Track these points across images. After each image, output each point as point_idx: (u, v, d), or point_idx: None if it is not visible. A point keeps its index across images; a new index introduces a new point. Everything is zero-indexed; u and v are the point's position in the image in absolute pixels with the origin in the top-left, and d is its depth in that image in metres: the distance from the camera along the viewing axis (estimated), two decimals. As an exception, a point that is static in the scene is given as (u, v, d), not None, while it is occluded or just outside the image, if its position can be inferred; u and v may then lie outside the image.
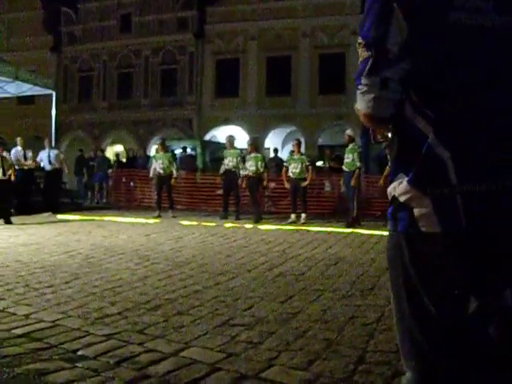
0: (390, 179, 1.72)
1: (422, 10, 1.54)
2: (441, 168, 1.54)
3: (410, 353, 1.69)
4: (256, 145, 13.84)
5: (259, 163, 13.63)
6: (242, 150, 24.16)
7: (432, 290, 1.62)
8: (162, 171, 14.36)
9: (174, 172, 14.52)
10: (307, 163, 13.33)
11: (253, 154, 13.80)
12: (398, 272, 1.68)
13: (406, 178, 1.60)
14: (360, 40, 1.61)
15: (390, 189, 1.70)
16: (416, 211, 1.59)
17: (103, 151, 24.83)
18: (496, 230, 1.56)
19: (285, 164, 13.84)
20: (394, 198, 1.65)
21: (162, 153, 14.67)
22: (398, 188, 1.63)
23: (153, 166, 14.84)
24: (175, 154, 21.35)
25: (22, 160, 15.34)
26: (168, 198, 14.68)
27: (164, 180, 14.49)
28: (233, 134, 13.96)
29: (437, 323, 1.64)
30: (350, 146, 12.87)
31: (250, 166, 13.66)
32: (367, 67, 1.57)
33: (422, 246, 1.61)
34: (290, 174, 13.36)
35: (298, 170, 13.28)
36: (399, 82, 1.57)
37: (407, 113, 1.61)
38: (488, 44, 1.57)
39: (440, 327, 1.65)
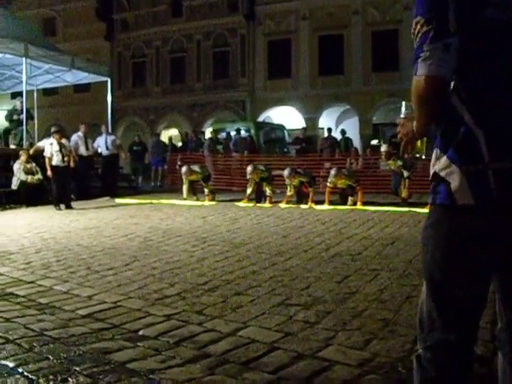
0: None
1: None
2: (476, 146, 1.69)
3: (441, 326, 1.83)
4: None
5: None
6: (295, 130, 24.24)
7: (464, 262, 1.76)
8: None
9: None
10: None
11: None
12: (435, 247, 1.81)
13: (445, 155, 1.76)
14: (418, 18, 1.74)
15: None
16: (452, 185, 1.73)
17: (158, 135, 25.12)
18: None
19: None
20: (435, 173, 1.80)
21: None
22: (438, 163, 1.79)
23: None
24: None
25: (81, 148, 15.69)
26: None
27: None
28: None
29: (466, 299, 1.80)
30: (391, 162, 12.58)
31: None
32: (430, 36, 1.69)
33: (457, 217, 1.75)
34: None
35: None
36: (457, 51, 1.69)
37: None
38: None
39: (467, 302, 1.81)
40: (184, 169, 14.15)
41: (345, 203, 12.48)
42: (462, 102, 1.72)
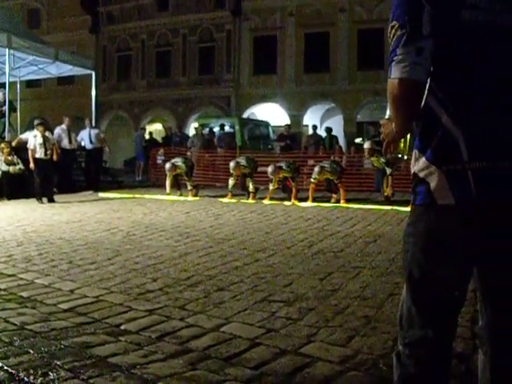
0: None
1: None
2: (454, 147, 1.72)
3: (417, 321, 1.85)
4: None
5: None
6: (280, 127, 24.24)
7: (443, 260, 1.78)
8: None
9: None
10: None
11: None
12: (414, 246, 1.84)
13: (423, 156, 1.79)
14: (393, 23, 1.77)
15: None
16: (432, 185, 1.76)
17: (142, 129, 25.05)
18: (504, 202, 1.72)
19: None
20: (415, 174, 1.83)
21: None
22: (417, 164, 1.81)
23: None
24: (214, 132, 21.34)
25: (65, 140, 15.56)
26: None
27: None
28: None
29: (448, 295, 1.83)
30: (374, 158, 12.58)
31: None
32: (403, 40, 1.72)
33: (437, 217, 1.77)
34: None
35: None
36: (430, 55, 1.72)
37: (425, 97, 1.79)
38: (496, 37, 1.74)
39: (450, 299, 1.84)
40: (168, 165, 14.09)
41: (331, 191, 12.61)
42: (440, 103, 1.74)
